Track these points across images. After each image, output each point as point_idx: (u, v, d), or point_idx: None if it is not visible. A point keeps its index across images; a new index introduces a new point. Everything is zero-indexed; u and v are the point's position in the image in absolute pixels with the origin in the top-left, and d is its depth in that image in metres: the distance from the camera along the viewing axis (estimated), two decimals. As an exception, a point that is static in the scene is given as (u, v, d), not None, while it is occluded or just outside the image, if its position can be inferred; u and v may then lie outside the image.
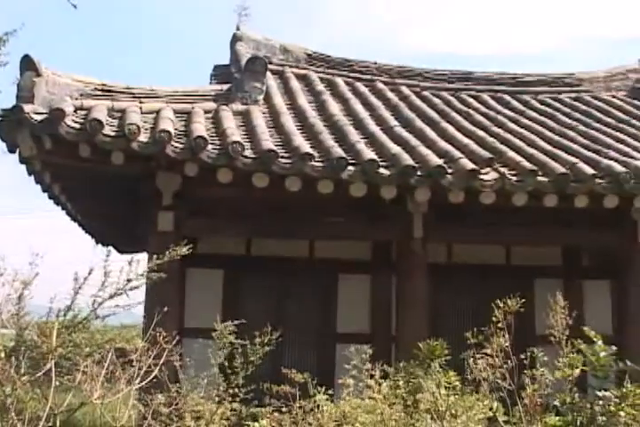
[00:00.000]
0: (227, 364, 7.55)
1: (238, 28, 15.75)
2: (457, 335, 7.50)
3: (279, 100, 12.95)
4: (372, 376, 7.18)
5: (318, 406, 7.33)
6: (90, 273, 5.97)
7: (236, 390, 7.38)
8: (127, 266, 6.01)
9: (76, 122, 9.88)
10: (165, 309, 7.35)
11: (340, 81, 15.25)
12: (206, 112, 11.58)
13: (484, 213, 10.99)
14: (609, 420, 6.74)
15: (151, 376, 6.13)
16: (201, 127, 10.49)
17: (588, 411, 6.89)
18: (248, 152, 10.08)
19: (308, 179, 10.13)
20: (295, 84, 14.41)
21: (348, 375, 7.70)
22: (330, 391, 7.79)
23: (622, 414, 6.60)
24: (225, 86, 13.06)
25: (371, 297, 13.08)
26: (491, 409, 6.76)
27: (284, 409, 7.60)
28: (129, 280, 5.96)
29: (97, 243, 16.87)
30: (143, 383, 6.01)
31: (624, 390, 6.81)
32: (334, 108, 13.07)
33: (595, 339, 6.77)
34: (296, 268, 12.90)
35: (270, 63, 14.36)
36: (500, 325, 6.54)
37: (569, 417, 6.92)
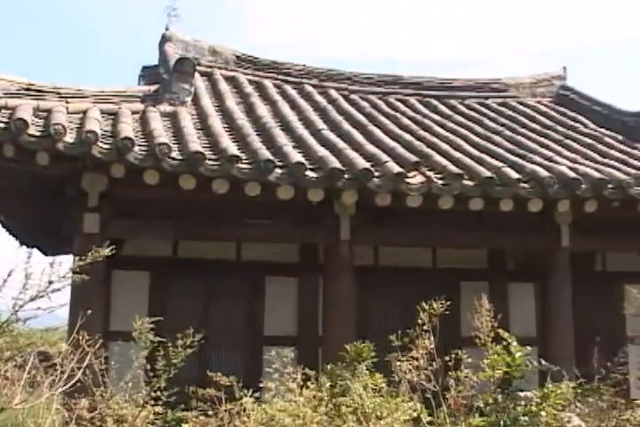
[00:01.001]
0: (152, 367, 7.48)
1: (167, 29, 15.63)
2: (384, 338, 7.53)
3: (207, 102, 12.89)
4: (295, 379, 7.18)
5: (244, 409, 7.30)
6: (9, 275, 5.84)
7: (161, 393, 7.32)
8: (49, 268, 5.91)
9: (-1, 121, 9.73)
10: (90, 311, 7.27)
11: (268, 83, 15.24)
12: (134, 113, 11.48)
13: (411, 215, 11.08)
14: (531, 420, 6.84)
15: (75, 380, 6.04)
16: (128, 128, 10.39)
17: (511, 411, 6.97)
18: (175, 154, 10.02)
19: (236, 181, 10.10)
20: (223, 86, 14.36)
21: (272, 378, 7.69)
22: (256, 394, 7.77)
23: (543, 413, 6.71)
24: (153, 87, 12.96)
25: (298, 299, 13.08)
26: (415, 411, 6.81)
27: (210, 413, 7.56)
28: (50, 282, 5.85)
29: (21, 244, 16.59)
30: (66, 387, 5.92)
31: (545, 390, 6.91)
32: (262, 110, 13.05)
33: (509, 340, 6.85)
34: (223, 270, 12.84)
35: (199, 64, 14.30)
36: (424, 327, 6.59)
37: (492, 418, 6.99)
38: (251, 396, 7.47)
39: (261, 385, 7.85)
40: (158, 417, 7.57)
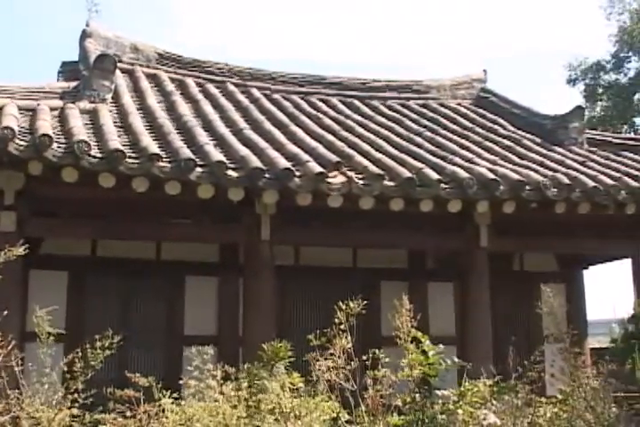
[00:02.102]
0: (71, 368, 7.37)
1: (88, 25, 15.43)
2: (304, 337, 7.55)
3: (128, 100, 12.77)
4: (214, 378, 7.15)
5: (163, 409, 7.23)
6: None
7: (78, 395, 7.20)
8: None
9: None
10: (5, 312, 7.14)
11: (190, 82, 15.15)
12: (52, 110, 11.31)
13: (332, 215, 11.12)
14: (448, 418, 6.92)
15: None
16: (46, 125, 10.23)
17: (429, 410, 7.04)
18: (94, 152, 9.87)
19: (156, 180, 10.00)
20: (145, 84, 14.23)
21: (192, 378, 7.64)
22: (176, 394, 7.71)
23: (460, 412, 6.79)
24: (73, 84, 12.80)
25: (218, 299, 13.06)
26: (334, 410, 6.83)
27: (128, 414, 7.47)
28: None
29: None
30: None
31: (462, 388, 7.00)
32: (184, 108, 12.97)
33: (422, 339, 6.92)
34: (143, 269, 12.75)
35: (120, 61, 14.16)
36: (343, 327, 6.61)
37: (411, 416, 7.05)
38: (170, 396, 7.41)
39: (181, 385, 7.79)
40: (76, 420, 7.46)
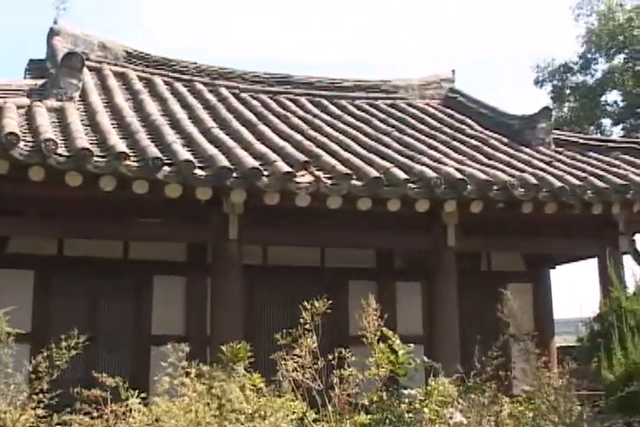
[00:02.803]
0: (37, 369, 7.32)
1: (56, 22, 15.34)
2: (272, 337, 7.54)
3: (96, 98, 12.70)
4: (181, 377, 7.12)
5: (131, 409, 7.19)
6: None
7: (44, 395, 7.16)
8: None
9: None
10: (-31, 311, 7.08)
11: (158, 80, 15.11)
12: (19, 108, 11.24)
13: (300, 215, 11.12)
14: (415, 417, 6.93)
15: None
16: (13, 123, 10.15)
17: (396, 409, 7.05)
18: (62, 150, 9.82)
19: (123, 179, 9.96)
20: (113, 82, 14.17)
21: (159, 377, 7.61)
22: (144, 394, 7.67)
23: (426, 410, 6.81)
24: (40, 82, 12.74)
25: (186, 298, 13.04)
26: (301, 409, 6.82)
27: (95, 414, 7.43)
28: None
29: None
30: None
31: (428, 387, 7.02)
32: (152, 107, 12.93)
33: (393, 339, 6.94)
34: (110, 269, 12.70)
35: (88, 59, 14.10)
36: (308, 326, 6.61)
37: (378, 415, 7.06)
38: (138, 396, 7.37)
39: (149, 384, 7.77)
40: (42, 421, 7.41)
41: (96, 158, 9.83)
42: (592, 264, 13.48)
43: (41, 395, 7.11)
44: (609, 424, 7.35)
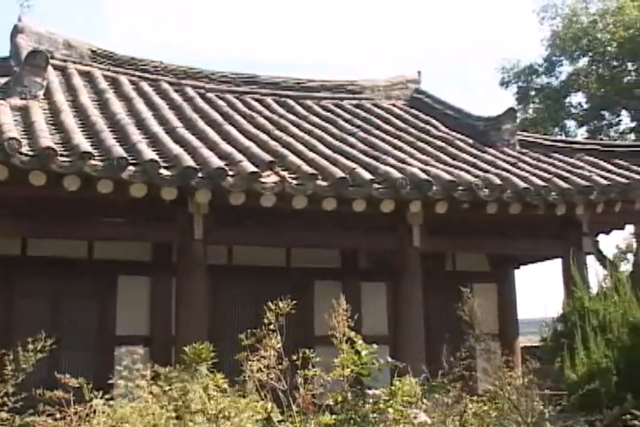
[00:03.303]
0: (1, 371, 7.25)
1: (20, 20, 15.21)
2: (238, 337, 7.53)
3: (60, 97, 12.62)
4: (144, 378, 7.09)
5: (94, 411, 7.15)
6: None
7: (8, 398, 7.09)
8: None
9: None
10: None
11: (124, 79, 15.03)
12: (-18, 106, 11.13)
13: (265, 215, 11.11)
14: (379, 417, 6.94)
15: None
16: (-25, 122, 10.07)
17: (360, 409, 7.06)
18: (25, 149, 9.74)
19: (88, 178, 9.90)
20: (78, 81, 14.08)
21: (123, 377, 7.57)
22: (108, 395, 7.62)
23: (391, 410, 6.82)
24: (3, 80, 12.65)
25: (151, 299, 12.97)
26: (266, 410, 6.82)
27: (58, 416, 7.37)
28: None
29: None
30: None
31: (392, 387, 7.04)
32: (117, 106, 12.86)
33: (356, 339, 6.95)
34: (74, 269, 12.59)
35: (52, 58, 14.00)
36: (272, 326, 6.61)
37: (343, 416, 7.06)
38: (101, 397, 7.33)
39: (113, 386, 7.71)
40: (5, 423, 7.34)
41: (60, 158, 9.76)
42: (556, 265, 13.59)
43: (5, 398, 7.06)
44: (571, 423, 7.40)
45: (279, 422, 6.83)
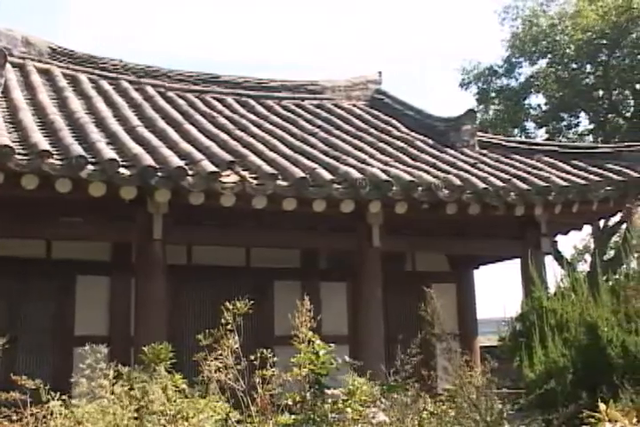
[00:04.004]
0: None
1: (-24, 17, 15.07)
2: (197, 337, 7.50)
3: (18, 95, 12.51)
4: (103, 379, 7.04)
5: (52, 412, 7.08)
6: None
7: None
8: None
9: None
10: None
11: (83, 78, 14.91)
12: (-62, 104, 11.01)
13: (225, 215, 11.09)
14: (338, 417, 6.94)
15: None
16: None
17: (319, 409, 7.06)
18: (-18, 147, 9.64)
19: (46, 177, 9.81)
20: (36, 79, 13.96)
21: (82, 378, 7.51)
22: (66, 396, 7.55)
23: (349, 410, 6.83)
24: (-40, 78, 12.48)
25: (110, 299, 12.89)
26: (224, 410, 6.80)
27: (14, 418, 7.29)
28: None
29: None
30: None
31: (351, 387, 7.04)
32: (76, 105, 12.77)
33: (313, 339, 6.95)
34: (32, 269, 12.49)
35: (10, 55, 13.89)
36: (230, 327, 6.59)
37: (301, 416, 7.06)
38: (60, 398, 7.27)
39: (72, 386, 7.65)
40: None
41: (18, 156, 9.67)
42: (515, 265, 13.69)
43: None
44: (528, 421, 7.45)
45: (237, 422, 6.81)
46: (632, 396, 6.81)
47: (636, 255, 8.33)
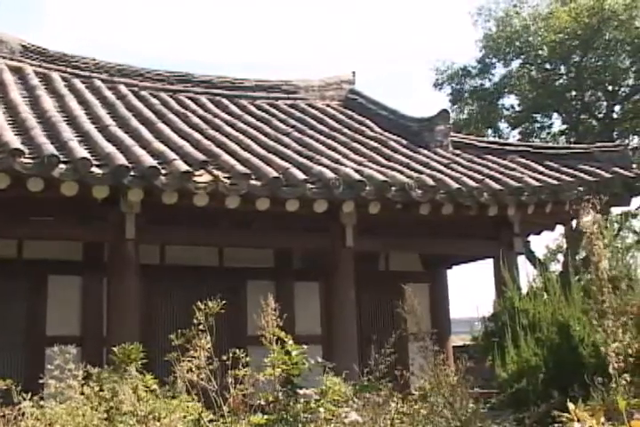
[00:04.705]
0: None
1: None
2: (169, 337, 7.46)
3: (-11, 93, 12.42)
4: (74, 379, 7.00)
5: (23, 413, 7.03)
6: None
7: None
8: None
9: None
10: None
11: (56, 76, 14.83)
12: None
13: (198, 214, 11.05)
14: (311, 416, 6.94)
15: None
16: None
17: (292, 409, 7.05)
18: (-48, 146, 9.57)
19: (17, 176, 9.73)
20: (8, 77, 13.86)
21: (51, 379, 7.46)
22: (37, 397, 7.50)
23: (322, 410, 6.82)
24: None
25: (82, 299, 12.82)
26: (196, 410, 6.77)
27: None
28: None
29: None
30: None
31: (323, 387, 7.04)
32: (48, 103, 12.69)
33: (286, 339, 6.94)
34: (4, 268, 12.37)
35: (-18, 54, 13.76)
36: (204, 326, 6.56)
37: (274, 416, 7.05)
38: (31, 399, 7.21)
39: (43, 387, 7.60)
40: None
41: (-11, 155, 9.60)
42: (488, 265, 13.72)
43: None
44: (500, 420, 7.48)
45: (210, 422, 6.79)
46: (603, 395, 6.85)
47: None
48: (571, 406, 3.67)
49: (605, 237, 7.94)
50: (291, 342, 6.85)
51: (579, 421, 3.47)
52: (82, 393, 6.85)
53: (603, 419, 3.63)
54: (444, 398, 7.08)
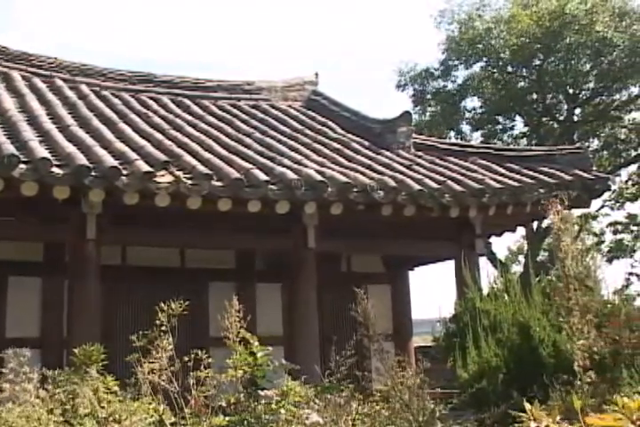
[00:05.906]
0: None
1: None
2: (131, 339, 7.43)
3: (-52, 93, 12.29)
4: (31, 381, 6.95)
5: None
6: None
7: None
8: None
9: None
10: None
11: (16, 75, 14.70)
12: None
13: (160, 215, 11.00)
14: (272, 418, 6.94)
15: None
16: None
17: (254, 410, 7.04)
18: None
19: (-24, 176, 9.66)
20: (-33, 77, 13.73)
21: (8, 381, 7.40)
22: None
23: (283, 411, 6.82)
24: None
25: (42, 300, 12.72)
26: (157, 412, 6.75)
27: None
28: None
29: None
30: None
31: (284, 388, 7.04)
32: (8, 103, 12.58)
33: (251, 340, 6.94)
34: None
35: (-61, 52, 13.61)
36: (166, 328, 6.54)
37: (236, 417, 7.04)
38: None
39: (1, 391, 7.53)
40: None
41: (-53, 155, 9.50)
42: (450, 266, 13.79)
43: None
44: (462, 420, 7.52)
45: (171, 424, 6.77)
46: (562, 395, 6.92)
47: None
48: (527, 405, 3.70)
49: (573, 234, 8.03)
50: (256, 343, 6.85)
51: (535, 420, 3.50)
52: (38, 396, 6.79)
53: (558, 418, 3.66)
54: (401, 400, 7.12)
